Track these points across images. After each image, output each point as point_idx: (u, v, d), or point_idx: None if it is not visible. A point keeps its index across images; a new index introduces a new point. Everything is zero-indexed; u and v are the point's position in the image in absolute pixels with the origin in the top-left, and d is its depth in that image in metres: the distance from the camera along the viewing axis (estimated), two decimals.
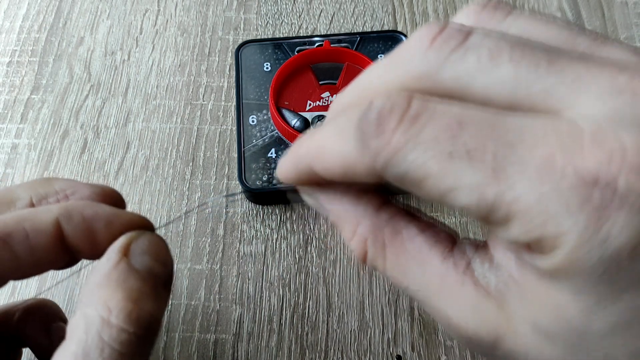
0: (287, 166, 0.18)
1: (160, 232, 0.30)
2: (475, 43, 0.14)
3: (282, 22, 0.43)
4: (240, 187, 0.34)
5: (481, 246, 0.16)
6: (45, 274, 0.32)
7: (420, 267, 0.17)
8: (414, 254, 0.17)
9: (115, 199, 0.23)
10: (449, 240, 0.17)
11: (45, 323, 0.25)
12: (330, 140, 0.16)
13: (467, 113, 0.13)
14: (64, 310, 0.27)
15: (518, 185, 0.12)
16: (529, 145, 0.12)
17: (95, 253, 0.21)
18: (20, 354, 0.26)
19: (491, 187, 0.13)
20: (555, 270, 0.13)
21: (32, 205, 0.21)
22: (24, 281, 0.32)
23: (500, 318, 0.15)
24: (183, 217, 0.34)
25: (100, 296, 0.18)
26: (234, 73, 0.40)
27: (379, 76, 0.16)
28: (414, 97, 0.14)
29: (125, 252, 0.19)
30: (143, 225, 0.21)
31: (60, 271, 0.31)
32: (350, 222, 0.18)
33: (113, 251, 0.19)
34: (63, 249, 0.20)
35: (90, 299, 0.18)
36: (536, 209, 0.12)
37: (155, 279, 0.19)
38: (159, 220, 0.35)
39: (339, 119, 0.16)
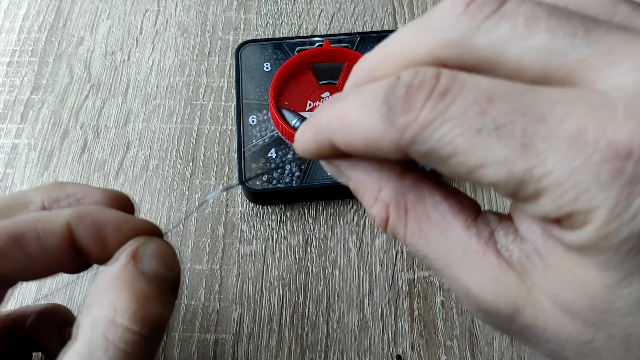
0: (306, 139, 0.17)
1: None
2: (511, 10, 0.14)
3: (282, 22, 0.43)
4: (241, 187, 0.34)
5: (505, 218, 0.16)
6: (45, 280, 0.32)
7: (442, 235, 0.16)
8: (437, 221, 0.16)
9: (125, 204, 0.23)
10: (473, 209, 0.16)
11: (58, 328, 0.25)
12: (354, 113, 0.15)
13: (496, 87, 0.13)
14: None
15: (549, 160, 0.12)
16: (559, 119, 0.12)
17: (105, 257, 0.21)
18: (30, 357, 0.26)
19: (521, 162, 0.12)
20: (584, 246, 0.13)
21: (44, 208, 0.22)
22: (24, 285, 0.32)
23: (520, 290, 0.15)
24: (183, 219, 0.34)
25: (107, 297, 0.18)
26: (234, 73, 0.40)
27: (407, 41, 0.15)
28: (443, 71, 0.14)
29: (134, 256, 0.20)
30: (152, 231, 0.22)
31: (60, 278, 0.31)
32: (372, 187, 0.17)
33: (122, 255, 0.20)
34: (73, 252, 0.20)
35: (97, 300, 0.18)
36: (568, 184, 0.12)
37: (162, 283, 0.20)
38: (159, 220, 0.35)
39: (364, 91, 0.15)
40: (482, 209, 0.17)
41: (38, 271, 0.20)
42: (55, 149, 0.37)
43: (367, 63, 0.17)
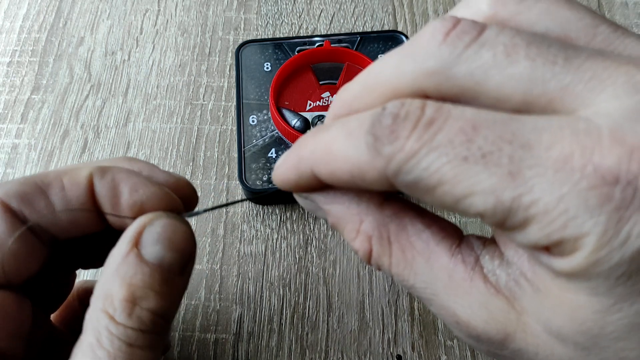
0: (287, 169, 0.17)
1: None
2: (490, 38, 0.14)
3: (282, 22, 0.43)
4: (241, 187, 0.34)
5: (489, 242, 0.16)
6: None
7: (427, 264, 0.16)
8: (421, 249, 0.16)
9: (186, 192, 0.23)
10: (456, 235, 0.16)
11: None
12: (339, 143, 0.15)
13: (481, 116, 0.13)
14: None
15: (536, 188, 0.12)
16: (546, 146, 0.12)
17: (118, 219, 0.20)
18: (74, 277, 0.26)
19: (508, 190, 0.12)
20: (574, 273, 0.12)
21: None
22: None
23: (510, 316, 0.15)
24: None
25: (107, 291, 0.18)
26: (234, 73, 0.40)
27: (389, 71, 0.15)
28: (428, 103, 0.14)
29: (136, 242, 0.19)
30: (167, 200, 0.21)
31: None
32: (352, 220, 0.17)
33: (125, 240, 0.19)
34: (95, 208, 0.20)
35: (100, 292, 0.18)
36: (556, 211, 0.12)
37: (166, 271, 0.19)
38: None
39: (349, 122, 0.15)
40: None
41: (64, 225, 0.20)
42: (56, 149, 0.37)
43: (349, 93, 0.17)
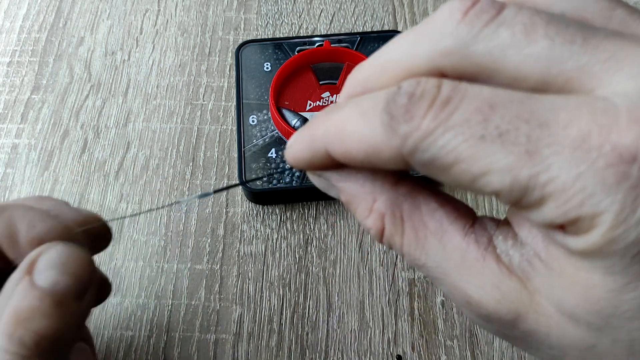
0: (300, 148, 0.17)
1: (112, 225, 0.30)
2: (509, 17, 0.13)
3: (282, 22, 0.43)
4: (241, 187, 0.34)
5: (503, 223, 0.16)
6: None
7: (440, 243, 0.16)
8: (434, 229, 0.16)
9: (98, 228, 0.23)
10: (469, 215, 0.16)
11: None
12: (353, 122, 0.15)
13: (498, 95, 0.13)
14: None
15: (554, 166, 0.12)
16: (563, 124, 0.12)
17: (18, 256, 0.21)
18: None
19: (525, 169, 0.12)
20: (589, 251, 0.13)
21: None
22: None
23: (522, 296, 0.15)
24: (137, 215, 0.34)
25: None
26: (234, 73, 0.40)
27: (404, 50, 0.15)
28: (444, 81, 0.14)
29: (30, 270, 0.19)
30: (65, 232, 0.21)
31: None
32: (366, 199, 0.17)
33: (19, 269, 0.19)
34: None
35: None
36: (573, 189, 0.12)
37: (58, 295, 0.19)
38: (159, 220, 0.35)
39: (363, 101, 0.15)
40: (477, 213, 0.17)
41: None
42: (56, 149, 0.37)
43: (363, 73, 0.17)
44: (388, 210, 0.17)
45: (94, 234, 0.23)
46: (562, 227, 0.13)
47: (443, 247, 0.16)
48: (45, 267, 0.19)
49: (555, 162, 0.12)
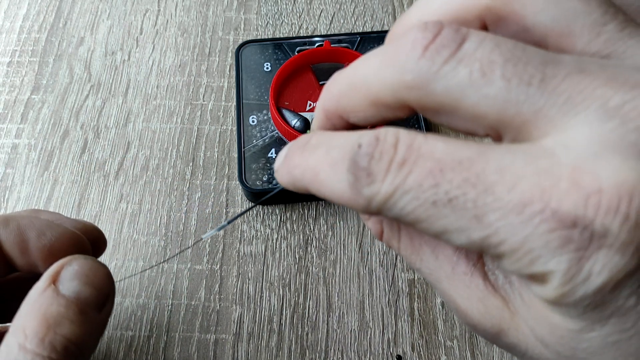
0: (285, 181, 0.18)
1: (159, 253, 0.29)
2: (469, 53, 0.14)
3: (282, 22, 0.43)
4: (241, 187, 0.34)
5: None
6: None
7: (433, 253, 0.17)
8: (428, 239, 0.17)
9: (94, 235, 0.24)
10: None
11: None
12: (325, 172, 0.16)
13: (449, 155, 0.13)
14: None
15: (501, 230, 0.13)
16: (507, 187, 0.13)
17: (28, 263, 0.21)
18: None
19: (476, 232, 0.13)
20: (546, 299, 0.13)
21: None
22: None
23: (504, 314, 0.16)
24: (166, 258, 0.34)
25: (21, 323, 0.19)
26: (234, 73, 0.40)
27: (372, 75, 0.16)
28: (400, 139, 0.14)
29: (54, 279, 0.20)
30: (78, 242, 0.22)
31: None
32: None
33: (43, 279, 0.20)
34: (0, 256, 0.21)
35: (14, 327, 0.19)
36: (522, 251, 0.13)
37: (82, 304, 0.20)
38: (159, 220, 0.35)
39: (332, 150, 0.16)
40: None
41: None
42: (56, 149, 0.37)
43: (336, 88, 0.17)
44: (385, 218, 0.18)
45: (91, 242, 0.23)
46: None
47: (436, 257, 0.17)
48: (70, 277, 0.20)
49: (501, 226, 0.13)
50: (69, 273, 0.20)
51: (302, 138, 0.17)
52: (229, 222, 0.26)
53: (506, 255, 0.13)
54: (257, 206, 0.35)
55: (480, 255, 0.16)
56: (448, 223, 0.13)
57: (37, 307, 0.19)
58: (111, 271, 0.33)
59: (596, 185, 0.12)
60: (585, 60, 0.14)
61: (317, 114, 0.18)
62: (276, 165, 0.18)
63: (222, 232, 0.34)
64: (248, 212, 0.35)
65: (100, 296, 0.20)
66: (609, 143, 0.12)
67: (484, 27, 0.16)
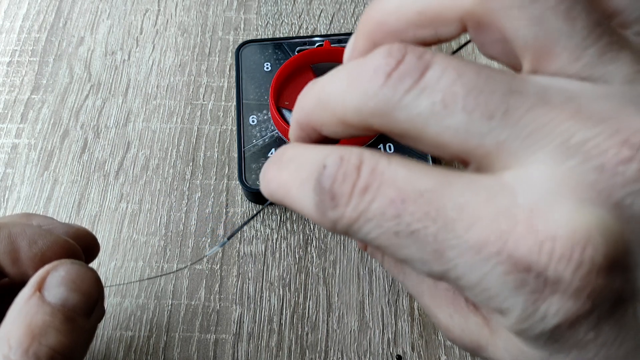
0: (264, 191, 0.18)
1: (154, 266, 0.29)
2: (431, 83, 0.13)
3: (282, 22, 0.43)
4: (241, 187, 0.34)
5: None
6: None
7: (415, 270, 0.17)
8: None
9: (88, 242, 0.23)
10: None
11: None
12: (294, 190, 0.16)
13: (411, 185, 0.13)
14: None
15: (459, 267, 0.13)
16: (466, 226, 0.13)
17: (18, 272, 0.21)
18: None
19: (436, 265, 0.13)
20: (509, 330, 0.14)
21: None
22: None
23: (484, 331, 0.16)
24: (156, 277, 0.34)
25: (5, 333, 0.18)
26: (234, 73, 0.40)
27: (338, 95, 0.15)
28: (364, 162, 0.14)
29: (40, 286, 0.19)
30: (70, 249, 0.21)
31: None
32: None
33: (28, 286, 0.19)
34: None
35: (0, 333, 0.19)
36: (479, 288, 0.13)
37: (69, 311, 0.19)
38: (159, 220, 0.35)
39: (301, 168, 0.16)
40: None
41: None
42: (56, 149, 0.37)
43: (306, 103, 0.17)
44: None
45: (83, 247, 0.23)
46: None
47: (417, 274, 0.18)
48: (55, 284, 0.19)
49: (460, 263, 0.13)
50: (55, 279, 0.20)
51: (279, 151, 0.17)
52: (229, 238, 0.27)
53: (466, 289, 0.13)
54: (257, 206, 0.35)
55: None
56: (410, 253, 0.13)
57: (22, 316, 0.18)
58: (111, 271, 0.33)
59: (551, 231, 0.12)
60: (551, 91, 0.13)
61: (292, 125, 0.18)
62: (260, 177, 0.18)
63: (222, 231, 0.34)
64: (248, 213, 0.35)
65: (88, 302, 0.20)
66: (568, 183, 0.12)
67: (465, 29, 0.16)
